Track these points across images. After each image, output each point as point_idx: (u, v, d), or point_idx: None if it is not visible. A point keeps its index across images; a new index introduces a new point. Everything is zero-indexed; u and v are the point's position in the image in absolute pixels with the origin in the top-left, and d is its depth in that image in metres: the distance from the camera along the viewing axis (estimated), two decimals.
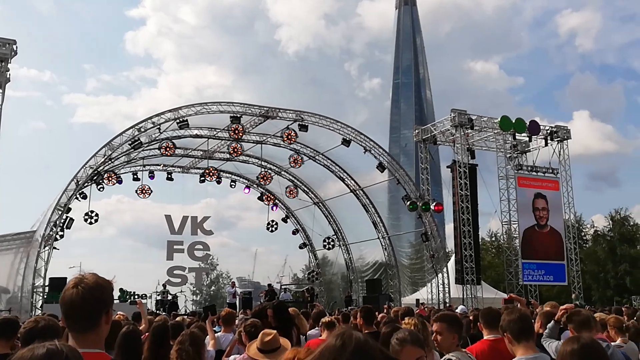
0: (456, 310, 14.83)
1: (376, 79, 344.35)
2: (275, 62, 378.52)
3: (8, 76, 23.92)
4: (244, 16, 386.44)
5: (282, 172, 35.51)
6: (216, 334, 7.81)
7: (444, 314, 4.90)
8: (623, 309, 12.53)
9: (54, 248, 26.55)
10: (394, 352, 3.69)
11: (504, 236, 38.16)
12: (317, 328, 8.48)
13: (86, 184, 28.52)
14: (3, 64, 23.50)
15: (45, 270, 25.77)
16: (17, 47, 23.83)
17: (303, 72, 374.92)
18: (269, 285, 32.31)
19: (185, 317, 14.92)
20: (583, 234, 51.80)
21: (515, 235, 31.68)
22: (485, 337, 5.08)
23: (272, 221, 37.28)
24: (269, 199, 37.00)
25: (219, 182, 34.65)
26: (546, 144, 32.14)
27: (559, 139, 32.45)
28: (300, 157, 31.83)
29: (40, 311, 22.55)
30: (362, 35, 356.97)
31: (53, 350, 1.93)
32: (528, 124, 31.06)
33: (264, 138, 31.68)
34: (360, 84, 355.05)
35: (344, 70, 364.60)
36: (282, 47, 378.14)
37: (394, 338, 3.86)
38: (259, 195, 37.45)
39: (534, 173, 31.99)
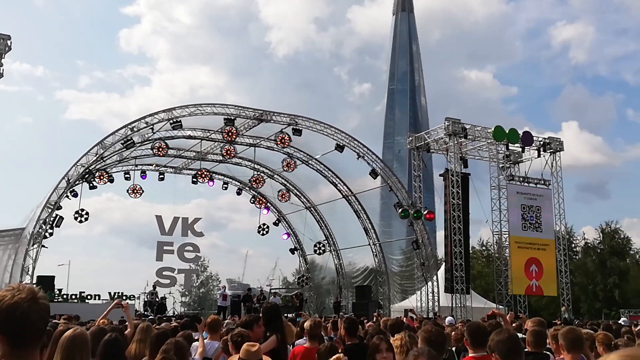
0: (445, 321, 14.79)
1: (366, 84, 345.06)
2: (268, 64, 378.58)
3: (1, 71, 23.77)
4: (238, 17, 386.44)
5: (275, 176, 35.45)
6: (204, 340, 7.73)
7: (425, 333, 4.83)
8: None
9: (43, 246, 26.37)
10: None
11: (495, 246, 38.20)
12: (304, 338, 8.41)
13: (77, 182, 28.36)
14: None
15: (33, 268, 25.61)
16: (11, 43, 23.73)
17: (294, 75, 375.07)
18: (249, 289, 32.35)
19: (174, 319, 14.79)
20: (573, 245, 51.97)
21: (505, 245, 31.72)
22: (470, 355, 5.02)
23: (264, 224, 37.19)
24: (260, 202, 36.92)
25: (211, 184, 34.52)
26: (539, 155, 32.23)
27: (551, 150, 32.56)
28: (293, 161, 31.76)
29: None
30: (352, 40, 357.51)
31: None
32: (521, 134, 31.15)
33: (258, 141, 31.62)
34: (350, 88, 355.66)
35: (333, 74, 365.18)
36: (272, 49, 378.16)
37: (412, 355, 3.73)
38: (251, 197, 37.36)
39: (526, 184, 32.07)
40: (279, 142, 29.45)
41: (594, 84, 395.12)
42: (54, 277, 27.85)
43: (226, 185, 36.42)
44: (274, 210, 38.20)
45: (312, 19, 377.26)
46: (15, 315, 2.38)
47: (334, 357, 3.25)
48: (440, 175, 31.55)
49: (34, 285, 2.61)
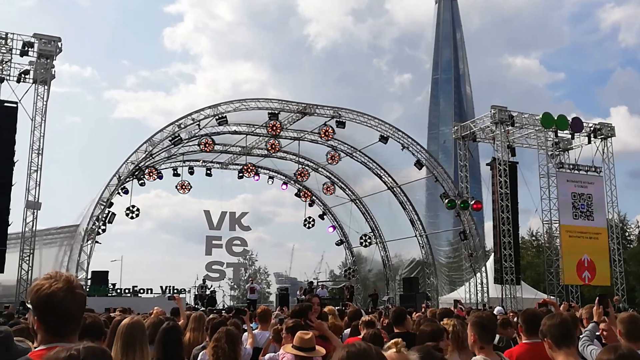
0: (494, 312, 14.59)
1: (407, 74, 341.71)
2: (308, 58, 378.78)
3: (53, 73, 24.50)
4: (278, 12, 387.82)
5: (319, 169, 35.53)
6: (254, 331, 7.85)
7: (475, 317, 4.78)
8: None
9: (97, 242, 27.12)
10: None
11: (545, 235, 37.41)
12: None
13: (128, 179, 29.05)
14: (49, 60, 24.07)
15: (88, 263, 26.34)
16: (61, 45, 24.39)
17: (334, 68, 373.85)
18: (309, 283, 32.47)
19: (224, 312, 15.05)
20: (627, 233, 50.44)
21: (556, 235, 31.04)
22: (524, 341, 4.97)
23: (310, 218, 37.36)
24: (306, 195, 37.08)
25: (257, 179, 34.83)
26: (589, 142, 31.41)
27: (602, 136, 31.67)
28: (337, 154, 31.81)
29: None
30: (390, 30, 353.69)
31: (99, 349, 1.94)
32: (570, 121, 30.38)
33: (302, 134, 31.75)
34: (390, 79, 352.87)
35: (373, 66, 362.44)
36: (311, 42, 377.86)
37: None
38: (296, 191, 37.56)
39: (576, 171, 31.30)
40: (322, 135, 29.51)
41: None
42: (107, 272, 28.62)
43: (272, 180, 36.72)
44: (319, 203, 38.30)
45: (349, 10, 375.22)
46: (52, 304, 2.48)
47: (393, 340, 3.24)
48: (487, 164, 31.08)
49: (71, 274, 2.67)
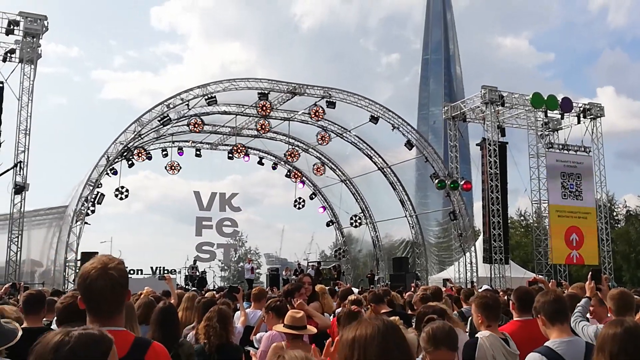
0: (479, 290, 14.69)
1: (394, 54, 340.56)
2: (296, 37, 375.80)
3: (39, 52, 24.15)
4: None
5: (310, 149, 35.45)
6: (246, 310, 7.85)
7: (480, 299, 4.83)
8: None
9: (86, 223, 26.98)
10: (424, 348, 3.45)
11: (533, 215, 37.68)
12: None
13: (116, 160, 28.85)
14: (35, 39, 23.71)
15: (77, 244, 26.23)
16: (48, 23, 24.02)
17: (322, 49, 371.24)
18: (299, 264, 32.54)
19: (215, 292, 15.05)
20: (615, 213, 50.93)
21: (545, 215, 31.26)
22: (515, 318, 4.98)
23: (300, 198, 37.36)
24: (296, 176, 37.04)
25: (247, 159, 34.70)
26: (579, 122, 31.51)
27: (592, 116, 31.80)
28: (327, 134, 31.72)
29: (72, 285, 23.04)
30: (377, 11, 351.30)
31: (95, 337, 1.86)
32: (560, 101, 30.43)
33: (292, 115, 31.59)
34: (377, 59, 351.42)
35: (360, 46, 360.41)
36: (297, 21, 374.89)
37: (426, 331, 3.50)
38: (286, 172, 37.49)
39: (565, 151, 31.43)
40: (313, 116, 29.38)
41: (634, 48, 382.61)
42: (97, 253, 28.41)
43: (262, 160, 36.60)
44: (310, 184, 38.29)
45: None
46: (85, 284, 2.56)
47: (392, 318, 3.22)
48: (477, 144, 31.15)
49: (113, 256, 2.70)
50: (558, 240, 29.91)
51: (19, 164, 13.56)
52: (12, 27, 23.05)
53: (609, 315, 5.20)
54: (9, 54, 23.41)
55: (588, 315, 5.41)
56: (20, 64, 23.65)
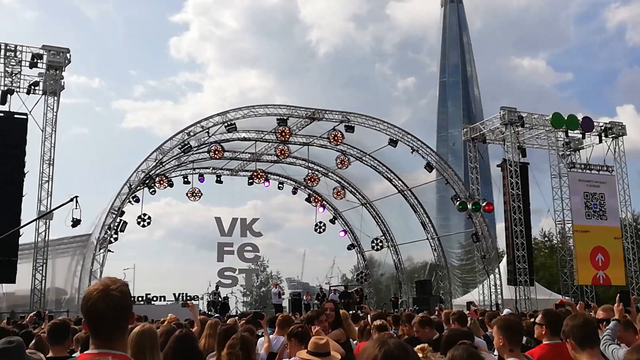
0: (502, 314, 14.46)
1: (410, 77, 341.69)
2: (313, 64, 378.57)
3: (62, 84, 24.61)
4: (282, 19, 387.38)
5: (329, 174, 35.50)
6: (270, 336, 7.80)
7: (502, 321, 4.72)
8: None
9: (109, 251, 27.19)
10: None
11: (557, 236, 37.15)
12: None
13: (138, 188, 29.13)
14: (58, 72, 24.19)
15: (101, 272, 26.37)
16: (70, 56, 24.50)
17: (339, 74, 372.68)
18: (321, 288, 32.42)
19: (236, 319, 15.01)
20: None
21: (569, 235, 30.80)
22: (545, 342, 4.88)
23: (320, 222, 37.34)
24: (316, 200, 37.04)
25: (267, 185, 34.80)
26: (600, 141, 31.19)
27: (613, 135, 31.49)
28: (347, 158, 31.77)
29: None
30: (392, 35, 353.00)
31: None
32: (581, 120, 30.18)
33: (311, 140, 31.73)
34: (394, 83, 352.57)
35: (376, 70, 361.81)
36: (313, 48, 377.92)
37: (449, 357, 3.42)
38: (307, 196, 37.52)
39: (588, 171, 31.09)
40: (332, 140, 29.46)
41: None
42: None
43: (282, 185, 36.71)
44: (330, 208, 38.25)
45: (351, 15, 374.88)
46: (87, 307, 2.55)
47: (419, 346, 3.17)
48: (497, 165, 30.96)
49: (118, 278, 2.67)
50: (583, 260, 29.41)
51: (75, 198, 13.69)
52: (35, 60, 23.53)
53: (637, 337, 5.08)
54: (32, 87, 23.88)
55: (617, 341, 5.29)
56: (43, 95, 24.09)
